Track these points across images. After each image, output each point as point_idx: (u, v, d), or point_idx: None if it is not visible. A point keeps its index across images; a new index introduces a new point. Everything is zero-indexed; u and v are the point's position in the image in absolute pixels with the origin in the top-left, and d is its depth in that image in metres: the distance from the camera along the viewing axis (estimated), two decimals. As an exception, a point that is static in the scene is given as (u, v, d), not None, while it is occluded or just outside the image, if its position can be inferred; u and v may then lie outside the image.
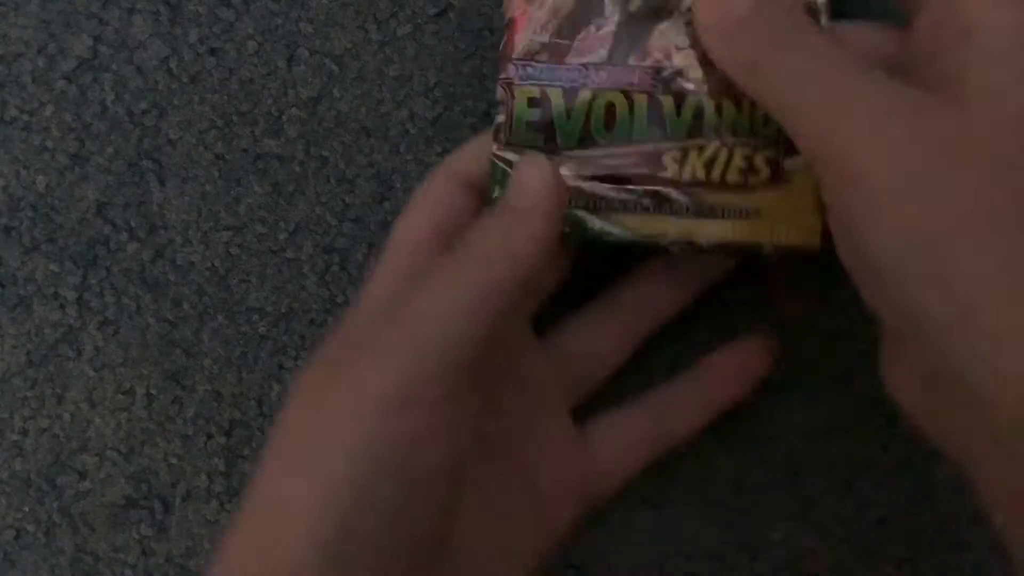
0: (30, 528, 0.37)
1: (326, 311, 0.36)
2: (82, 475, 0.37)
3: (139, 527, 0.36)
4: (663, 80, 0.31)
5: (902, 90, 0.25)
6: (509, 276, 0.27)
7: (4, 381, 0.37)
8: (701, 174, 0.31)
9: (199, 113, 0.37)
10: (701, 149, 0.31)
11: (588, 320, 0.33)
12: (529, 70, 0.31)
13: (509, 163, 0.31)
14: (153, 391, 0.37)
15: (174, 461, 0.37)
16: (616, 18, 0.31)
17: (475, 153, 0.32)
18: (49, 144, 0.37)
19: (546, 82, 0.31)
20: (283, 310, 0.37)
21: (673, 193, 0.31)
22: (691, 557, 0.34)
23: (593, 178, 0.31)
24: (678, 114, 0.31)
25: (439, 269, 0.28)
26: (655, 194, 0.30)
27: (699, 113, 0.31)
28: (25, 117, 0.37)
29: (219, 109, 0.37)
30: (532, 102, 0.31)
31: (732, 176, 0.31)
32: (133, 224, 0.37)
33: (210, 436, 0.37)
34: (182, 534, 0.36)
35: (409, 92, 0.37)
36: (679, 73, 0.31)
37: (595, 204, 0.31)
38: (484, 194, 0.31)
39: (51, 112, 0.37)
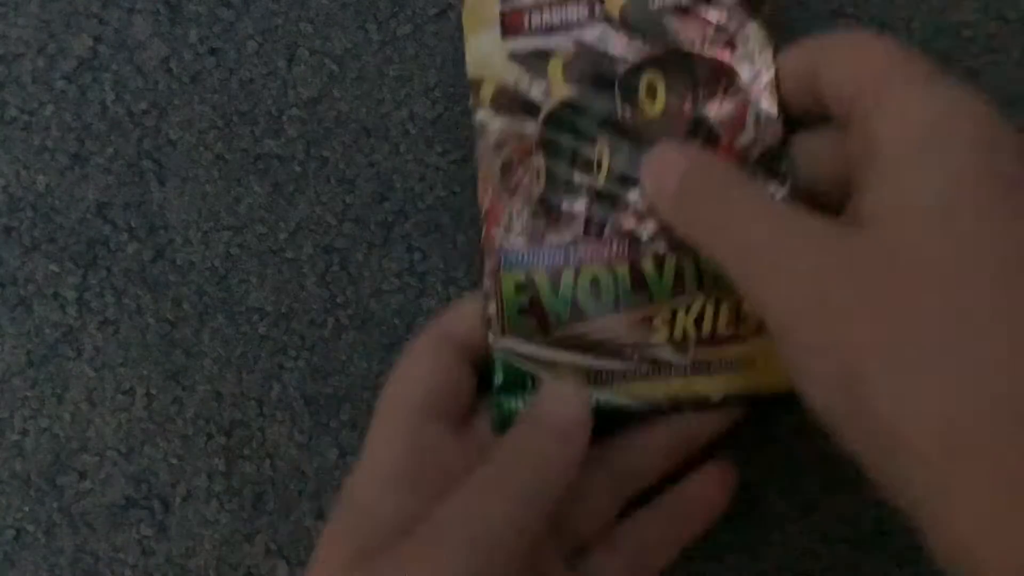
0: (30, 528, 0.37)
1: (326, 311, 0.37)
2: (82, 475, 0.37)
3: (139, 527, 0.36)
4: (640, 246, 0.31)
5: (808, 227, 0.26)
6: (542, 502, 0.28)
7: (4, 381, 0.37)
8: (692, 332, 0.31)
9: (199, 113, 0.37)
10: (688, 307, 0.31)
11: (582, 486, 0.33)
12: (511, 257, 0.32)
13: (509, 352, 0.31)
14: (153, 391, 0.37)
15: (174, 461, 0.37)
16: (586, 193, 0.32)
17: (464, 315, 0.32)
18: (49, 144, 0.37)
19: (529, 266, 0.32)
20: (283, 310, 0.37)
21: (668, 355, 0.31)
22: (692, 557, 0.34)
23: (589, 353, 0.31)
24: (660, 277, 0.31)
25: (473, 489, 0.28)
26: (651, 359, 0.31)
27: (680, 272, 0.31)
28: (25, 117, 0.37)
29: (219, 109, 0.37)
30: (519, 288, 0.32)
31: (723, 328, 0.31)
32: (133, 224, 0.37)
33: (210, 436, 0.37)
34: (182, 534, 0.36)
35: (409, 92, 0.37)
36: (654, 237, 0.31)
37: (594, 378, 0.31)
38: (474, 357, 0.32)
39: (51, 112, 0.37)
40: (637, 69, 0.32)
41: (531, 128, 0.32)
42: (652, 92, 0.31)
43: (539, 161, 0.32)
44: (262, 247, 0.37)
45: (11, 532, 0.37)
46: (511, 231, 0.32)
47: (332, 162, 0.37)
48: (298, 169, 0.37)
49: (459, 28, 0.36)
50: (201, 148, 0.37)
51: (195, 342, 0.37)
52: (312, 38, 0.37)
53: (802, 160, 0.31)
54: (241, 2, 0.37)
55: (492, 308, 0.32)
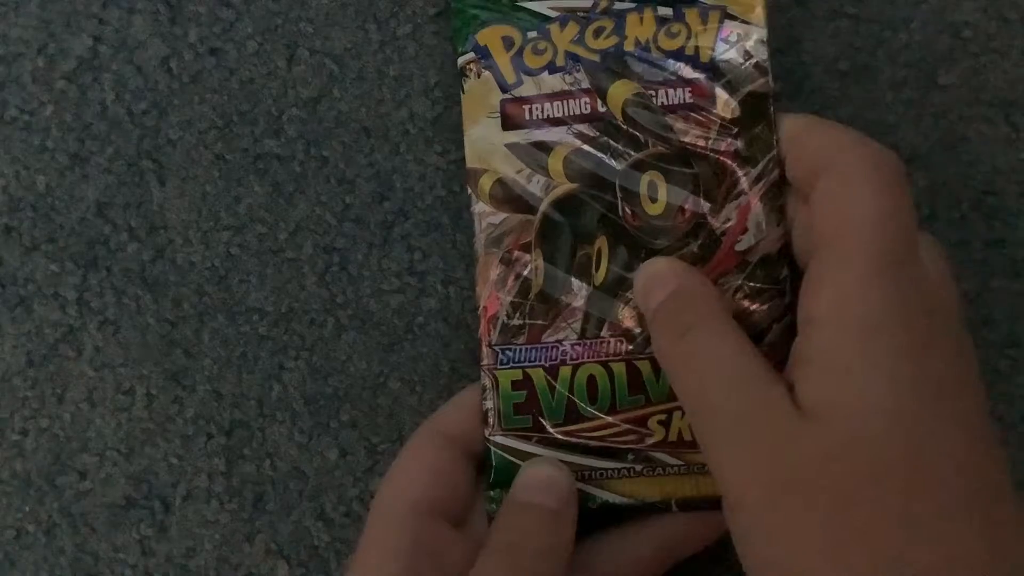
0: (30, 528, 0.37)
1: (326, 311, 0.36)
2: (82, 475, 0.37)
3: (139, 527, 0.36)
4: (638, 345, 0.31)
5: (768, 398, 0.27)
6: None
7: (4, 381, 0.37)
8: (687, 433, 0.31)
9: (199, 113, 0.37)
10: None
11: None
12: (509, 354, 0.32)
13: (504, 448, 0.31)
14: (153, 391, 0.37)
15: (174, 461, 0.37)
16: (584, 292, 0.31)
17: (459, 412, 0.32)
18: (49, 144, 0.37)
19: (526, 363, 0.31)
20: (283, 310, 0.37)
21: (663, 455, 0.31)
22: (693, 557, 0.33)
23: (583, 451, 0.31)
24: (657, 377, 0.31)
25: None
26: (646, 458, 0.31)
27: None
28: (25, 117, 0.37)
29: (219, 109, 0.37)
30: (515, 384, 0.31)
31: None
32: (133, 224, 0.37)
33: (210, 436, 0.37)
34: (182, 534, 0.36)
35: (409, 92, 0.37)
36: (650, 338, 0.31)
37: (591, 476, 0.31)
38: (472, 452, 0.32)
39: (51, 112, 0.37)
40: (638, 167, 0.31)
41: (530, 223, 0.32)
42: (653, 191, 0.31)
43: (537, 257, 0.31)
44: (262, 247, 0.37)
45: (11, 532, 0.37)
46: (509, 327, 0.32)
47: (332, 162, 0.37)
48: (298, 169, 0.37)
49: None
50: (201, 148, 0.37)
51: (195, 342, 0.37)
52: (312, 38, 0.37)
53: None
54: (241, 2, 0.37)
55: (489, 403, 0.32)
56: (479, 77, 0.32)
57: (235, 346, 0.37)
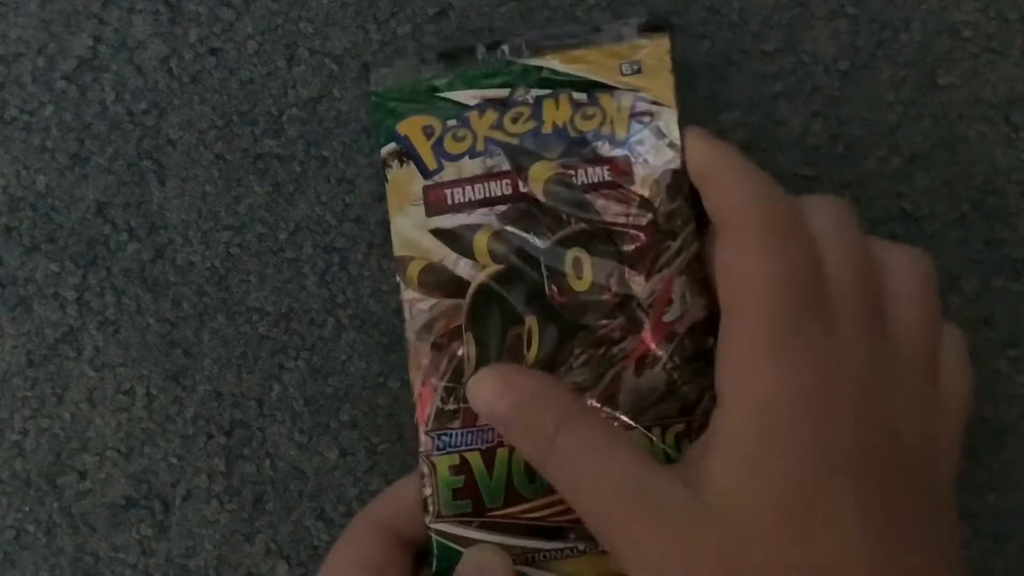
0: (30, 528, 0.37)
1: (326, 311, 0.36)
2: (82, 475, 0.37)
3: (139, 527, 0.36)
4: None
5: (657, 496, 0.26)
6: None
7: (4, 381, 0.37)
8: None
9: (199, 113, 0.37)
10: None
11: None
12: (445, 439, 0.31)
13: (445, 535, 0.31)
14: (153, 391, 0.37)
15: (174, 461, 0.37)
16: None
17: (394, 501, 0.32)
18: (49, 144, 0.37)
19: (463, 447, 0.31)
20: (283, 310, 0.37)
21: None
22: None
23: (528, 533, 0.31)
24: None
25: None
26: (589, 536, 0.30)
27: None
28: (25, 117, 0.37)
29: (219, 109, 0.37)
30: (453, 469, 0.31)
31: None
32: (133, 224, 0.37)
33: (210, 436, 0.37)
34: (182, 534, 0.36)
35: (409, 92, 0.37)
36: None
37: (534, 558, 0.31)
38: (409, 540, 0.31)
39: (51, 112, 0.37)
40: (562, 244, 0.31)
41: (459, 307, 0.31)
42: (578, 268, 0.31)
43: (469, 340, 0.31)
44: (262, 247, 0.37)
45: (11, 532, 0.37)
46: (444, 412, 0.31)
47: (332, 162, 0.37)
48: (298, 169, 0.37)
49: (459, 28, 0.36)
50: (201, 148, 0.37)
51: (195, 342, 0.37)
52: (312, 38, 0.37)
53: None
54: (241, 2, 0.37)
55: (428, 490, 0.31)
56: (402, 166, 0.32)
57: (235, 346, 0.37)
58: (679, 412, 0.31)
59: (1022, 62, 0.36)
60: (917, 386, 0.27)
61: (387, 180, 0.33)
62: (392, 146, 0.32)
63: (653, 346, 0.31)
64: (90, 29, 0.37)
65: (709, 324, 0.30)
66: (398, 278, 0.32)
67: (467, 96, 0.32)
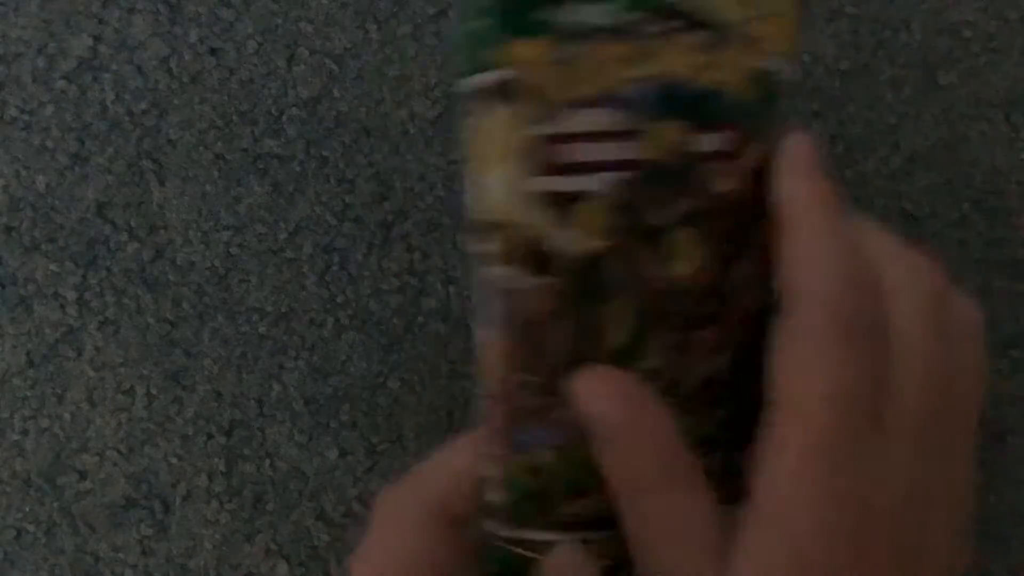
0: (30, 528, 0.37)
1: (326, 311, 0.36)
2: (82, 475, 0.37)
3: (139, 527, 0.36)
4: None
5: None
6: None
7: (4, 381, 0.37)
8: None
9: (199, 113, 0.37)
10: None
11: None
12: (522, 437, 0.28)
13: (511, 540, 0.27)
14: (153, 391, 0.37)
15: (174, 461, 0.37)
16: (608, 360, 0.28)
17: (439, 478, 0.27)
18: (49, 144, 0.37)
19: (537, 445, 0.29)
20: (283, 310, 0.37)
21: None
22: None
23: (588, 528, 0.30)
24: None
25: None
26: None
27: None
28: (25, 117, 0.37)
29: (219, 109, 0.37)
30: (525, 471, 0.29)
31: None
32: (133, 224, 0.37)
33: (210, 436, 0.37)
34: (182, 534, 0.36)
35: (409, 92, 0.37)
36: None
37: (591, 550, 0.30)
38: (454, 522, 0.28)
39: (51, 112, 0.37)
40: (673, 222, 0.26)
41: (551, 288, 0.26)
42: (686, 249, 0.26)
43: (564, 324, 0.26)
44: (262, 247, 0.37)
45: (11, 532, 0.37)
46: (523, 409, 0.26)
47: (332, 162, 0.37)
48: (298, 169, 0.37)
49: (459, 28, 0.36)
50: (201, 148, 0.37)
51: (195, 342, 0.37)
52: (312, 38, 0.37)
53: None
54: (241, 2, 0.37)
55: (495, 495, 0.27)
56: (499, 107, 0.25)
57: (235, 346, 0.37)
58: (736, 405, 0.29)
59: (1022, 62, 0.36)
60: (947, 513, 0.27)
61: (476, 125, 0.24)
62: (488, 77, 0.24)
63: (729, 336, 0.28)
64: (90, 29, 0.37)
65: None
66: (476, 248, 0.26)
67: (594, 13, 0.24)
